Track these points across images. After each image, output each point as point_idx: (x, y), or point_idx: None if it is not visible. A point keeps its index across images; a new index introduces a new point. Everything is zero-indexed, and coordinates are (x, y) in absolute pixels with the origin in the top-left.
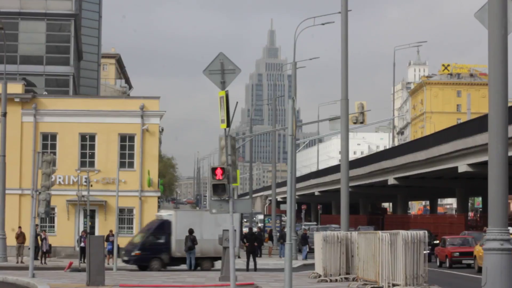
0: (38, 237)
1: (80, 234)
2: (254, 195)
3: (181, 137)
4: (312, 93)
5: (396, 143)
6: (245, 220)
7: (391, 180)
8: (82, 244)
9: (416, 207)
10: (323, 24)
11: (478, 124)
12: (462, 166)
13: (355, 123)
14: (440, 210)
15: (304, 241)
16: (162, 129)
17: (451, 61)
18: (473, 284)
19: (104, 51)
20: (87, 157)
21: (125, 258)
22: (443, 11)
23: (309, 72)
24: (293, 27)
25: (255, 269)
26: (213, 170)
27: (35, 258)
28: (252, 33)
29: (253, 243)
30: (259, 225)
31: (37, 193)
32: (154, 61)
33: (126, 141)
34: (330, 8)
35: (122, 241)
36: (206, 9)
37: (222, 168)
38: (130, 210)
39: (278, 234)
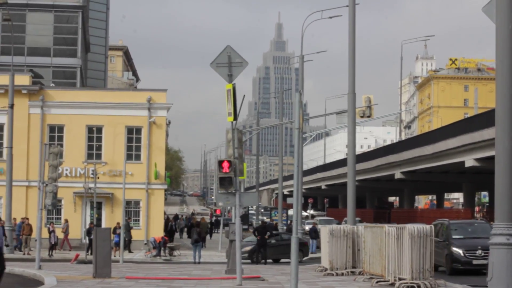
0: (46, 229)
1: (88, 226)
2: (260, 189)
3: (189, 129)
4: (319, 87)
5: (403, 137)
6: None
7: (397, 174)
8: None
9: (423, 201)
10: (330, 17)
11: (485, 119)
12: (469, 161)
13: (362, 117)
14: (446, 204)
15: (314, 234)
16: (169, 122)
17: (465, 56)
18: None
19: (112, 43)
20: (94, 149)
21: None
22: (462, 5)
23: (316, 66)
24: (301, 20)
25: (265, 263)
26: (220, 163)
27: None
28: (259, 26)
29: (264, 236)
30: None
31: (44, 185)
32: (166, 53)
33: (133, 134)
34: (338, 0)
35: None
36: (216, 1)
37: (229, 161)
38: (137, 203)
39: (285, 227)
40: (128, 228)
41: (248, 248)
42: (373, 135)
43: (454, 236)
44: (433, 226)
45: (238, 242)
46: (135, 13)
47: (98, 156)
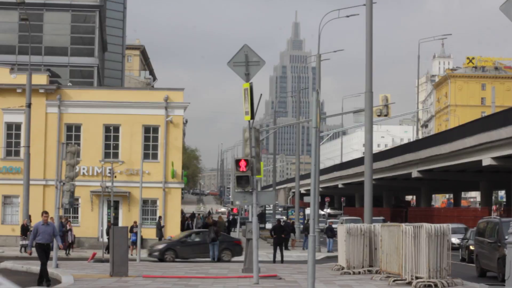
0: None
1: (107, 225)
2: (277, 187)
3: (206, 128)
4: (336, 86)
5: (420, 136)
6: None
7: (414, 173)
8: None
9: (440, 200)
10: (347, 16)
11: (503, 118)
12: (486, 160)
13: (379, 115)
14: (464, 203)
15: (331, 233)
16: (186, 121)
17: (482, 54)
18: None
19: (129, 42)
20: (111, 148)
21: None
22: (479, 3)
23: (333, 65)
24: (318, 19)
25: (282, 261)
26: (237, 162)
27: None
28: (276, 25)
29: (280, 235)
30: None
31: (61, 184)
32: (183, 53)
33: (150, 133)
34: None
35: (146, 232)
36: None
37: (246, 160)
38: (154, 202)
39: (301, 226)
40: (159, 227)
41: (160, 247)
42: (390, 134)
43: (507, 237)
44: (450, 226)
45: (255, 240)
46: (152, 12)
47: (115, 155)
